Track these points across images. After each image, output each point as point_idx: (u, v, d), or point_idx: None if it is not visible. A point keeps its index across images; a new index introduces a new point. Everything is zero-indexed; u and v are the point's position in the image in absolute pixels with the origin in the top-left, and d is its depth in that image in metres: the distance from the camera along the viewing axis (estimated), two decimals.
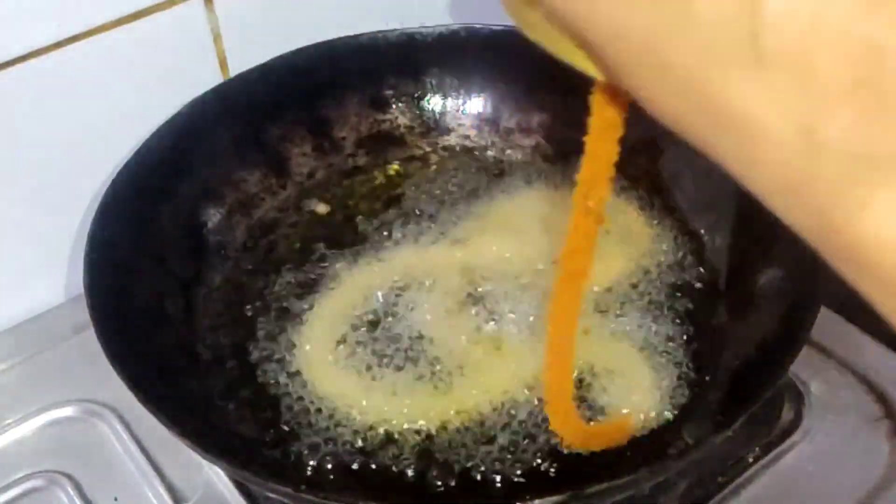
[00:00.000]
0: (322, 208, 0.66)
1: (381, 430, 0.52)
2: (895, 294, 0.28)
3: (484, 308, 0.59)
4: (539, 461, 0.51)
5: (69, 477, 0.54)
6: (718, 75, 0.27)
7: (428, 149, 0.72)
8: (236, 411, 0.54)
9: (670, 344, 0.56)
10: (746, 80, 0.26)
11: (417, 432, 0.52)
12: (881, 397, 0.57)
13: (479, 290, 0.60)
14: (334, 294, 0.60)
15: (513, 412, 0.53)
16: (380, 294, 0.60)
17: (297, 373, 0.56)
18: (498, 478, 0.50)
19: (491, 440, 0.52)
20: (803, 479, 0.53)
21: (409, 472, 0.51)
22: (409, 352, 0.56)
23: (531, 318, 0.58)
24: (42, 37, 0.56)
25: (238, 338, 0.58)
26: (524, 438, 0.52)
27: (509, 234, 0.64)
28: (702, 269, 0.61)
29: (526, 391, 0.54)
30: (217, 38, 0.64)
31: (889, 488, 0.52)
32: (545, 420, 0.53)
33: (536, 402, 0.53)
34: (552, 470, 0.51)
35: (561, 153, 0.70)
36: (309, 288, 0.61)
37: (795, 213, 0.30)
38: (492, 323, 0.58)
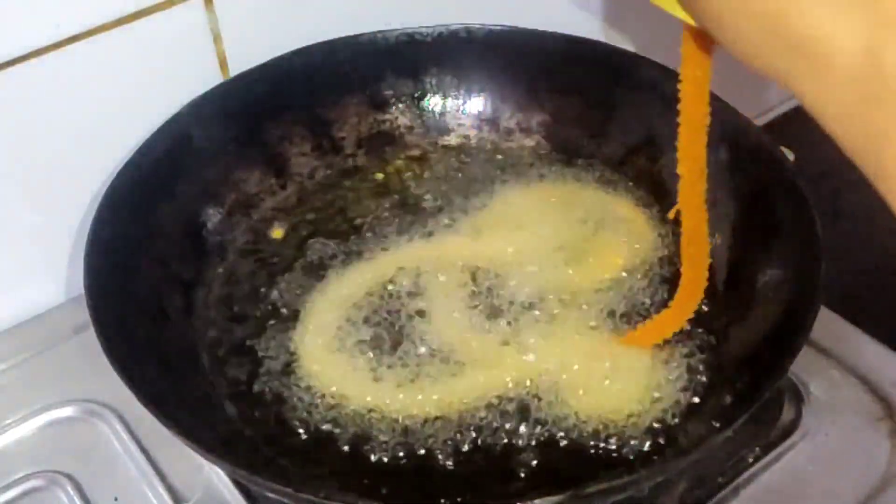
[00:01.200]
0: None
1: (385, 426, 0.52)
2: None
3: (485, 302, 0.59)
4: (538, 458, 0.51)
5: (69, 477, 0.54)
6: (795, 6, 0.30)
7: (428, 149, 0.72)
8: (236, 411, 0.54)
9: (670, 344, 0.56)
10: (820, 7, 0.29)
11: (421, 426, 0.52)
12: (881, 397, 0.57)
13: (480, 284, 0.60)
14: (335, 292, 0.60)
15: (514, 406, 0.53)
16: (381, 290, 0.60)
17: (299, 371, 0.56)
18: (497, 474, 0.50)
19: (493, 434, 0.52)
20: (803, 479, 0.53)
21: (411, 468, 0.51)
22: (414, 346, 0.56)
23: (532, 312, 0.58)
24: (42, 37, 0.56)
25: (238, 337, 0.58)
26: (524, 434, 0.52)
27: (510, 231, 0.64)
28: None
29: (529, 384, 0.54)
30: (217, 38, 0.64)
31: (889, 488, 0.52)
32: (547, 415, 0.53)
33: (538, 396, 0.54)
34: (551, 467, 0.51)
35: (561, 153, 0.70)
36: (310, 286, 0.61)
37: (855, 138, 0.31)
38: (493, 316, 0.58)
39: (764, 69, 0.33)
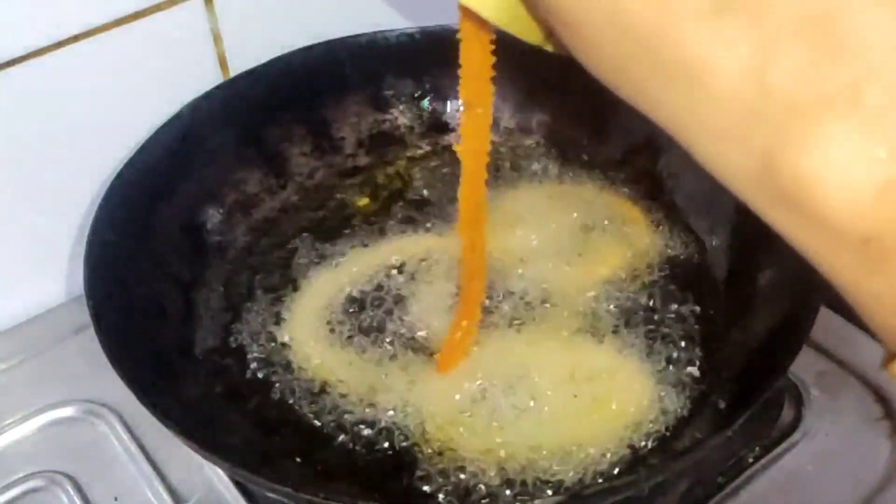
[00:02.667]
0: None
1: (386, 427, 0.52)
2: (838, 242, 0.27)
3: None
4: (532, 455, 0.51)
5: (69, 477, 0.54)
6: (671, 22, 0.27)
7: (428, 149, 0.72)
8: (236, 411, 0.54)
9: (670, 344, 0.56)
10: (700, 26, 0.27)
11: (421, 422, 0.52)
12: (881, 397, 0.57)
13: None
14: (335, 292, 0.60)
15: (506, 400, 0.53)
16: (381, 288, 0.60)
17: (298, 371, 0.56)
18: (494, 472, 0.50)
19: (489, 428, 0.52)
20: (803, 479, 0.53)
21: (409, 466, 0.51)
22: (414, 343, 0.57)
23: (527, 310, 0.58)
24: (42, 37, 0.57)
25: (238, 337, 0.58)
26: (520, 430, 0.52)
27: (507, 230, 0.64)
28: (701, 270, 0.61)
29: (521, 380, 0.54)
30: (217, 38, 0.64)
31: (889, 488, 0.52)
32: (539, 410, 0.53)
33: (532, 394, 0.53)
34: (547, 465, 0.51)
35: (560, 153, 0.70)
36: (308, 285, 0.61)
37: (735, 159, 0.29)
38: (486, 311, 0.58)
39: (627, 88, 0.30)
